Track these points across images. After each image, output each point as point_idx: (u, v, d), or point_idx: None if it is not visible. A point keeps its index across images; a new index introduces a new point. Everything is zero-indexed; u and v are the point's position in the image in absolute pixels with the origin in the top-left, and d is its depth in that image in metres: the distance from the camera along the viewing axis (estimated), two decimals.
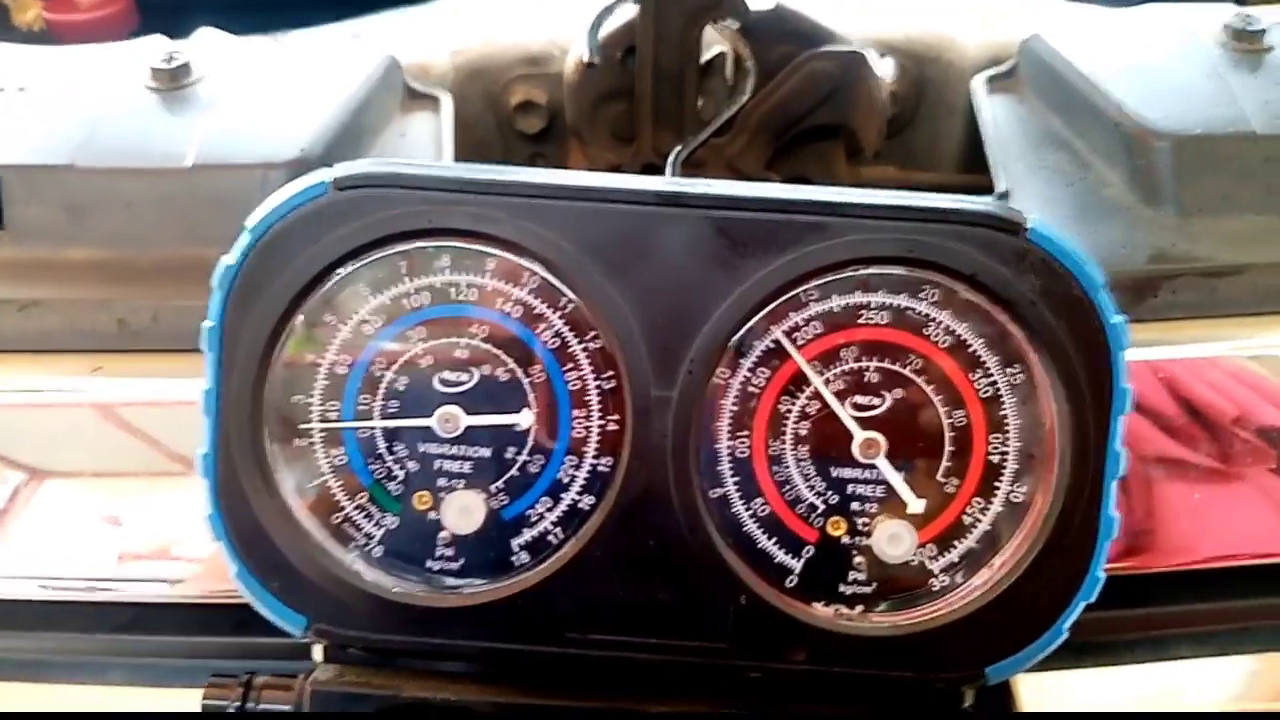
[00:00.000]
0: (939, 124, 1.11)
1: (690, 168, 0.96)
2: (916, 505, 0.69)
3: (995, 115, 1.00)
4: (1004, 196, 0.92)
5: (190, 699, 0.81)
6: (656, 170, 0.97)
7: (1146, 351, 0.81)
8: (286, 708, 0.71)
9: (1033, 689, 0.84)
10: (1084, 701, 0.87)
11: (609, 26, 0.94)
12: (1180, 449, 0.82)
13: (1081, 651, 0.87)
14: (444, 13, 1.14)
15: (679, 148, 0.89)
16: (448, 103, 1.01)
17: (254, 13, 1.20)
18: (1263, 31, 0.98)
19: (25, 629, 0.85)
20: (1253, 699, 0.90)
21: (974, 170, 1.08)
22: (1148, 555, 0.84)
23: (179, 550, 0.84)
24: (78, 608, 0.85)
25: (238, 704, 0.71)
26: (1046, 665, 0.82)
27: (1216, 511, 0.84)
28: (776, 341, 0.69)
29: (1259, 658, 0.89)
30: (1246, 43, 0.97)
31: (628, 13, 0.94)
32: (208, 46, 1.02)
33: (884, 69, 0.94)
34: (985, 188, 0.95)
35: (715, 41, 0.97)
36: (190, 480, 0.80)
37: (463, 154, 1.02)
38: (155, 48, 0.99)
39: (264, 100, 0.94)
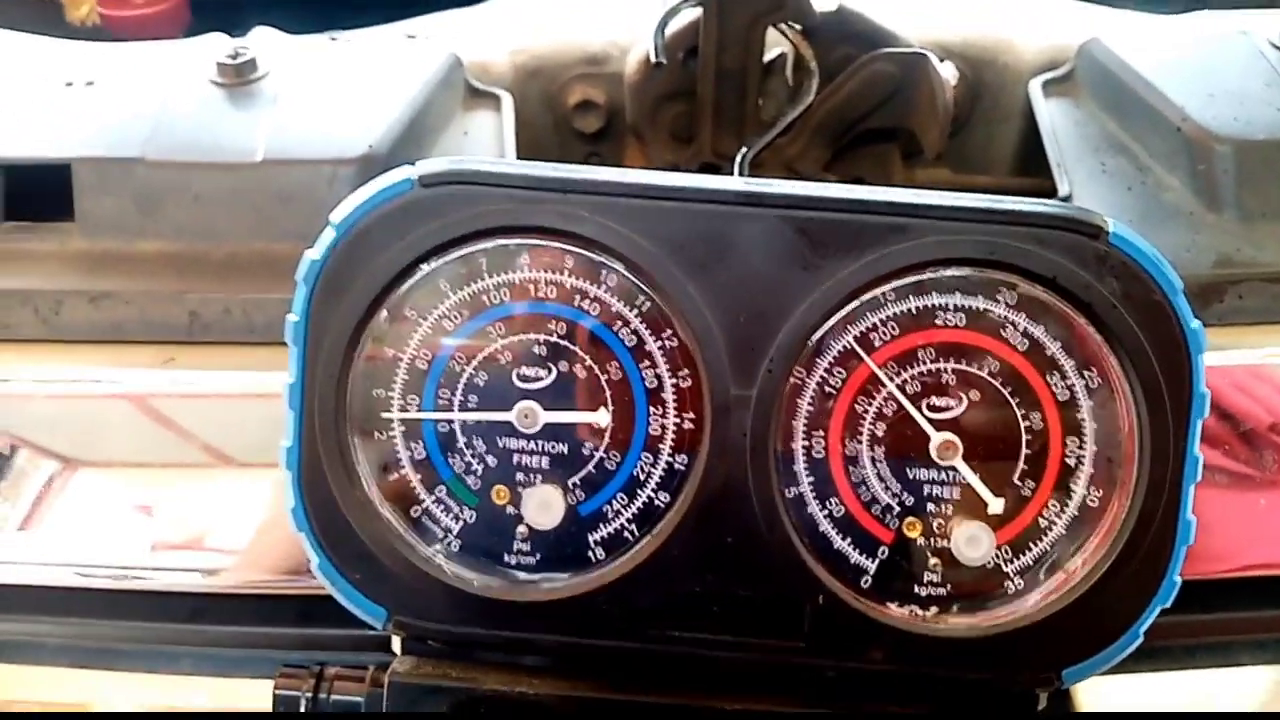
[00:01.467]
0: (994, 127, 1.11)
1: (751, 169, 0.96)
2: (996, 505, 0.69)
3: (1053, 118, 1.00)
4: (1067, 200, 0.92)
5: (252, 689, 0.83)
6: (715, 170, 0.98)
7: (1215, 356, 0.81)
8: (358, 699, 0.71)
9: (1089, 693, 0.84)
10: (1142, 705, 0.87)
11: (672, 27, 0.95)
12: (1218, 456, 0.82)
13: (1142, 655, 0.87)
14: (501, 12, 1.14)
15: (745, 149, 0.90)
16: (508, 102, 1.01)
17: (306, 11, 1.21)
18: None
19: (93, 616, 0.86)
20: None
21: (1028, 173, 1.08)
22: (1187, 563, 0.84)
23: (215, 542, 0.84)
24: (143, 597, 0.85)
25: (309, 694, 0.71)
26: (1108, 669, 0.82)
27: (1255, 519, 0.84)
28: (855, 341, 0.69)
29: None
30: None
31: (690, 14, 0.94)
32: (267, 44, 1.03)
33: (946, 71, 0.94)
34: (1044, 191, 0.95)
35: (776, 42, 0.98)
36: (222, 472, 0.81)
37: (521, 153, 1.02)
38: (219, 44, 1.00)
39: (328, 97, 0.95)
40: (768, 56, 0.97)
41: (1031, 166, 1.04)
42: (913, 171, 1.05)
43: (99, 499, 0.84)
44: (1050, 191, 0.94)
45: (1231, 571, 0.85)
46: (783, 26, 0.94)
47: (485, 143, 0.97)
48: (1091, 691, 0.84)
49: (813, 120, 0.96)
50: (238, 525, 0.84)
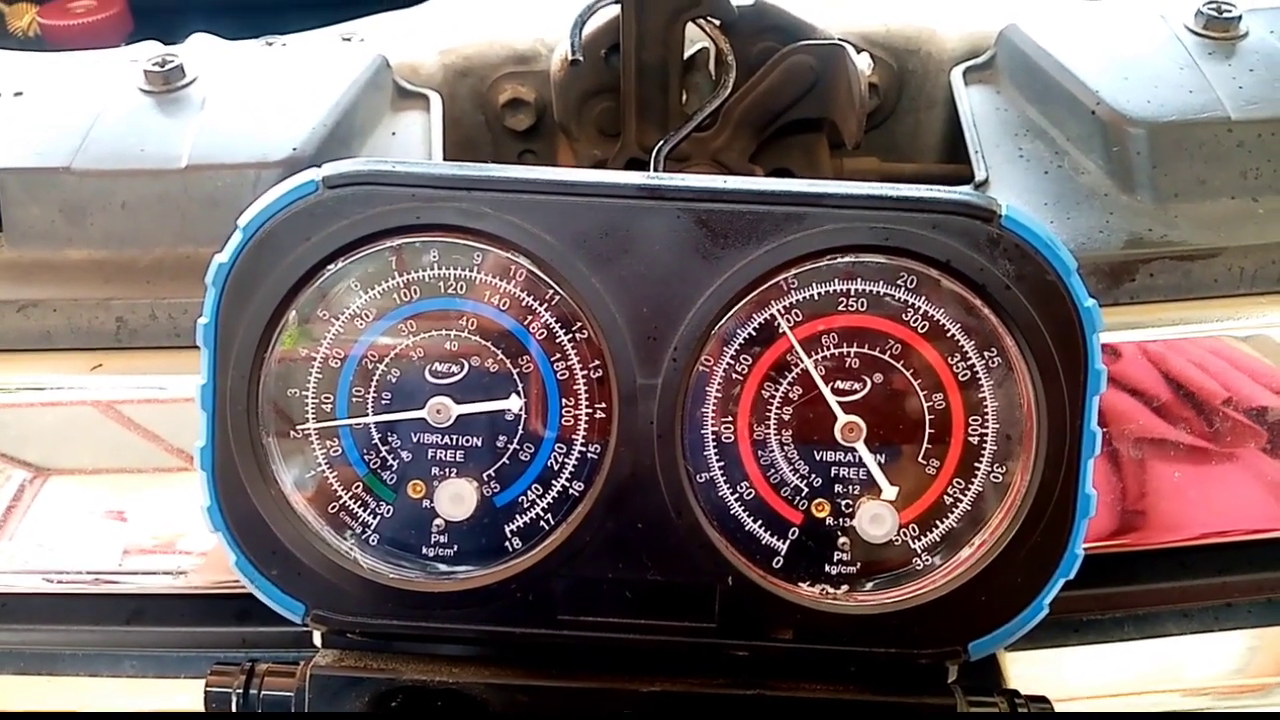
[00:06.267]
0: (920, 115, 1.12)
1: (675, 162, 0.97)
2: (890, 492, 0.71)
3: (973, 106, 1.02)
4: (982, 185, 0.93)
5: (194, 689, 0.84)
6: (642, 164, 0.99)
7: (1125, 334, 0.83)
8: (288, 694, 0.72)
9: (1023, 666, 0.86)
10: (1074, 678, 0.89)
11: (593, 25, 0.96)
12: (1172, 430, 0.84)
13: (1071, 629, 0.89)
14: (432, 14, 1.15)
15: (661, 142, 0.91)
16: (437, 102, 1.02)
17: (246, 17, 1.22)
18: (1236, 19, 0.99)
19: (34, 622, 0.87)
20: (1246, 674, 0.92)
21: (955, 160, 1.09)
22: (1140, 533, 0.86)
23: (182, 543, 0.86)
24: (83, 601, 0.87)
25: (240, 691, 0.73)
26: (1036, 643, 0.84)
27: (1207, 490, 0.86)
28: (759, 328, 0.71)
29: (1250, 634, 0.90)
30: (1220, 30, 0.99)
31: (610, 11, 0.95)
32: (200, 50, 1.04)
33: (862, 62, 0.95)
34: (966, 178, 0.96)
35: (698, 37, 0.99)
36: (191, 475, 0.83)
37: (453, 152, 1.04)
38: (148, 52, 1.01)
39: (256, 101, 0.95)
40: (689, 51, 0.99)
41: (959, 153, 1.05)
42: (840, 161, 1.07)
43: (68, 506, 0.85)
44: (973, 178, 0.96)
45: (1181, 541, 0.87)
46: (701, 21, 0.95)
47: (414, 143, 0.98)
48: (1022, 666, 0.86)
49: (735, 113, 0.97)
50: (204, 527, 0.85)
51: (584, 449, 0.72)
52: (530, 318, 0.71)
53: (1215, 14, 0.99)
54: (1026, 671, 0.86)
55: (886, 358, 0.71)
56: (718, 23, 0.95)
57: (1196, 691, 0.92)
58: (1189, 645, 0.91)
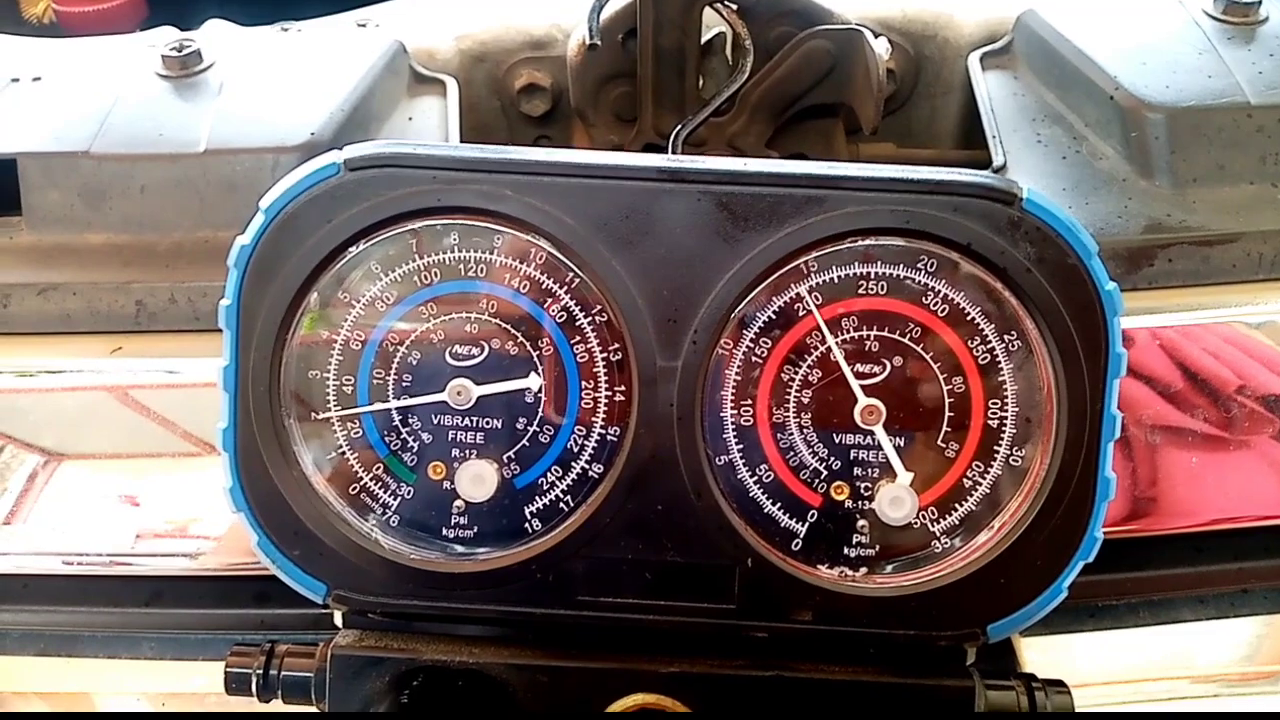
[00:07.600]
0: (936, 101, 1.12)
1: (691, 147, 0.97)
2: (905, 476, 0.71)
3: (991, 91, 1.01)
4: (1000, 171, 0.93)
5: (214, 671, 0.84)
6: (658, 150, 0.99)
7: (1143, 319, 0.83)
8: (308, 674, 0.73)
9: (1038, 651, 0.86)
10: (1090, 664, 0.89)
11: (610, 9, 0.96)
12: (1185, 417, 0.84)
13: (1086, 614, 0.89)
14: None
15: (679, 126, 0.91)
16: (453, 87, 1.02)
17: (260, 3, 1.21)
18: (1256, 3, 0.99)
19: (54, 604, 0.88)
20: (1261, 660, 0.92)
21: (971, 146, 1.09)
22: (1152, 519, 0.86)
23: (196, 528, 0.86)
24: (103, 583, 0.87)
25: (260, 671, 0.73)
26: (1051, 628, 0.84)
27: (1220, 476, 0.86)
28: (779, 311, 0.71)
29: (1266, 620, 0.91)
30: (1239, 14, 0.98)
31: None
32: (217, 36, 1.04)
33: (879, 47, 0.95)
34: (982, 163, 0.96)
35: (715, 22, 0.99)
36: (206, 459, 0.83)
37: (469, 137, 1.04)
38: (166, 37, 1.01)
39: (273, 86, 0.96)
40: (707, 35, 0.98)
41: (975, 139, 1.05)
42: (857, 147, 1.06)
43: (82, 490, 0.86)
44: (990, 163, 0.96)
45: (1193, 527, 0.87)
46: (719, 6, 0.95)
47: (430, 128, 0.98)
48: (1038, 651, 0.87)
49: (752, 98, 0.97)
50: (219, 511, 0.85)
51: (603, 431, 0.72)
52: (550, 300, 0.71)
53: None
54: (1041, 657, 0.86)
55: (906, 341, 0.71)
56: (735, 7, 0.95)
57: (1211, 678, 0.92)
58: (1204, 631, 0.91)
